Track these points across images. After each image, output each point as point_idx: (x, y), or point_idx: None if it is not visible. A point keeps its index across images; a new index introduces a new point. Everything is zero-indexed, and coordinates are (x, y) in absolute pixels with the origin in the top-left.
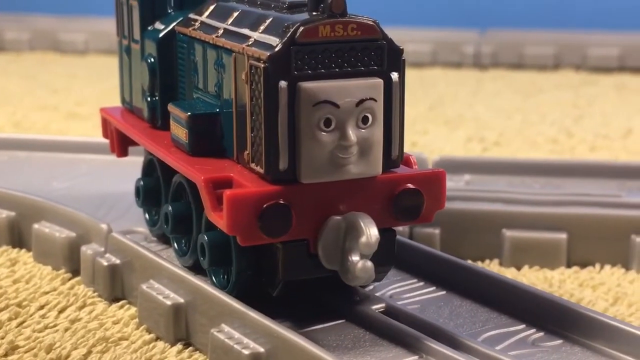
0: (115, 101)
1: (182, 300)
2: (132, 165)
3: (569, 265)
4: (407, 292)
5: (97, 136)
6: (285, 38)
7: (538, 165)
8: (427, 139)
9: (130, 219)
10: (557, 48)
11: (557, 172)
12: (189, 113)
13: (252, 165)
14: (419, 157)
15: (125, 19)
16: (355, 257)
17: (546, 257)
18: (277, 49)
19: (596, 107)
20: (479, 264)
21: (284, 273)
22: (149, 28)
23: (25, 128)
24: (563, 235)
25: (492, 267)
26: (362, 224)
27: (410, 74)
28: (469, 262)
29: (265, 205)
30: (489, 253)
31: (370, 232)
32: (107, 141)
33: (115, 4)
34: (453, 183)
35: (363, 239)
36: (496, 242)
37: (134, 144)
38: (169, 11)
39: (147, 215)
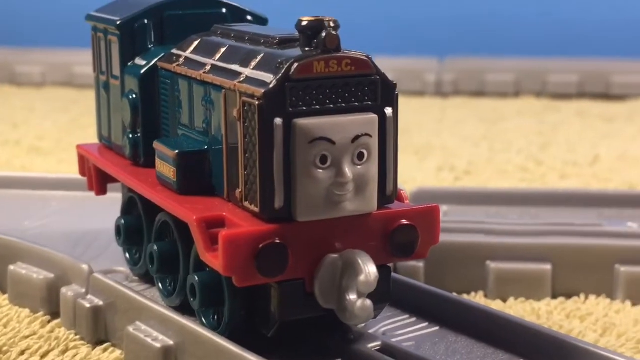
0: (77, 135)
1: (171, 342)
2: (105, 201)
3: (554, 296)
4: (401, 329)
5: (63, 172)
6: (280, 74)
7: (514, 194)
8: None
9: (109, 258)
10: (518, 75)
11: (533, 201)
12: (177, 151)
13: (246, 204)
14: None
15: (104, 54)
16: (353, 296)
17: (531, 288)
18: (271, 86)
19: (560, 134)
20: (466, 297)
21: (280, 313)
22: (129, 64)
23: None
24: (548, 266)
25: (477, 299)
26: (360, 262)
27: None
28: (461, 296)
29: (261, 245)
30: (474, 285)
31: (369, 270)
32: (77, 177)
33: (92, 40)
34: None
35: (362, 278)
36: (481, 274)
37: (114, 181)
38: (150, 46)
39: (127, 255)
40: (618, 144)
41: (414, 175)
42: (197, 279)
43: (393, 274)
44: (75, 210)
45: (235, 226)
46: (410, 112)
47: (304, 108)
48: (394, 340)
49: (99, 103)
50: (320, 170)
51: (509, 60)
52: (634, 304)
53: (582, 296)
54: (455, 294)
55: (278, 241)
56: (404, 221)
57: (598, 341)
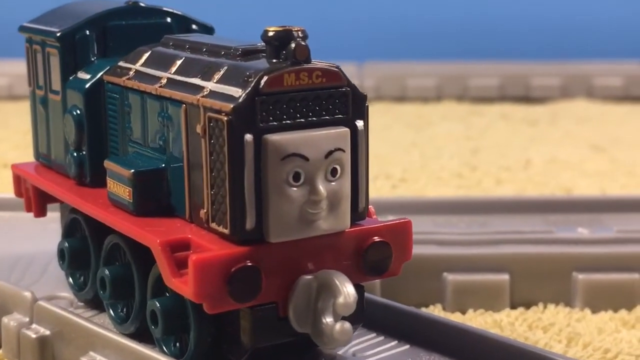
0: None
1: None
2: (34, 222)
3: (513, 306)
4: (370, 349)
5: None
6: (249, 88)
7: (459, 202)
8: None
9: (49, 284)
10: (439, 79)
11: (479, 209)
12: (133, 170)
13: (213, 225)
14: None
15: (41, 68)
16: (329, 319)
17: (490, 299)
18: (240, 100)
19: (488, 138)
20: (423, 310)
21: (252, 340)
22: (71, 78)
23: None
24: (505, 276)
25: (435, 312)
26: (337, 282)
27: None
28: (422, 309)
29: (233, 269)
30: (431, 298)
31: (348, 291)
32: (1, 196)
33: (27, 52)
34: None
35: (341, 300)
36: (437, 286)
37: (53, 202)
38: (92, 59)
39: (70, 279)
40: (546, 148)
41: None
42: (158, 305)
43: None
44: (4, 232)
45: (203, 249)
46: None
47: (275, 123)
48: None
49: (36, 119)
50: (294, 188)
51: (429, 65)
52: (593, 312)
53: (541, 305)
54: (421, 309)
55: (250, 264)
56: (377, 238)
57: (566, 352)
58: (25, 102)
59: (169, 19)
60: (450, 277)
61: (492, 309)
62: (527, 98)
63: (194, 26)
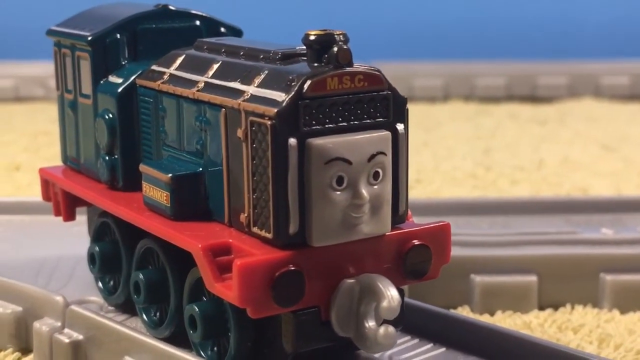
0: (4, 154)
1: None
2: (54, 226)
3: (541, 308)
4: (406, 352)
5: (2, 195)
6: (292, 92)
7: (479, 203)
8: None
9: (77, 288)
10: (446, 79)
11: (498, 210)
12: (171, 174)
13: (255, 230)
14: None
15: (70, 71)
16: (372, 322)
17: (518, 300)
18: (284, 104)
19: (499, 138)
20: (460, 313)
21: (295, 345)
22: (102, 82)
23: None
24: (533, 278)
25: (464, 314)
26: (380, 286)
27: None
28: (451, 311)
29: (277, 274)
30: (459, 300)
31: (392, 294)
32: (18, 200)
33: (55, 56)
34: None
35: (385, 303)
36: (465, 288)
37: (82, 205)
38: (123, 62)
39: (100, 284)
40: (558, 147)
41: None
42: (197, 309)
43: None
44: (26, 235)
45: (246, 254)
46: None
47: (318, 127)
48: None
49: (64, 123)
50: (337, 192)
51: (436, 65)
52: (622, 313)
53: (568, 306)
54: (453, 311)
55: (294, 268)
56: (417, 241)
57: (599, 353)
58: (32, 104)
59: (198, 22)
60: (478, 278)
61: (520, 310)
62: (534, 97)
63: (222, 29)
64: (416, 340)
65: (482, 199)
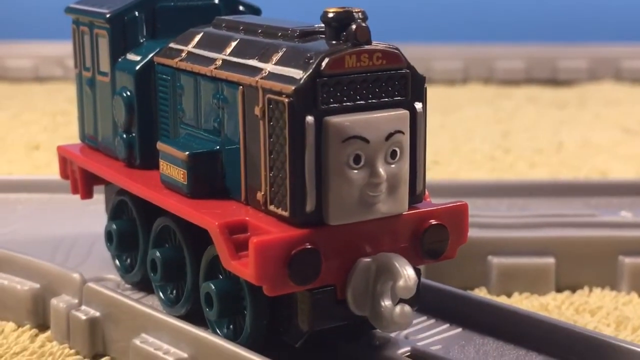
0: (21, 132)
1: (185, 355)
2: (74, 203)
3: (558, 290)
4: (423, 332)
5: (15, 172)
6: (310, 70)
7: (498, 185)
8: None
9: (94, 266)
10: (465, 62)
11: (517, 192)
12: (188, 152)
13: (272, 208)
14: None
15: (88, 49)
16: (388, 302)
17: (535, 282)
18: (302, 82)
19: (518, 120)
20: (478, 294)
21: (311, 323)
22: (120, 59)
23: None
24: (551, 260)
25: (481, 295)
26: (397, 265)
27: None
28: (468, 292)
29: (294, 252)
30: (476, 281)
31: (408, 274)
32: (40, 178)
33: (73, 34)
34: None
35: (401, 283)
36: (482, 269)
37: (100, 183)
38: (141, 40)
39: (117, 262)
40: (577, 130)
41: None
42: (213, 287)
43: None
44: (45, 213)
45: (262, 232)
46: None
47: (335, 105)
48: (420, 344)
49: (82, 101)
50: (354, 171)
51: (456, 47)
52: None
53: (586, 289)
54: (476, 294)
55: (310, 247)
56: (434, 221)
57: (616, 336)
58: (51, 84)
59: (216, 1)
60: (496, 260)
61: (537, 292)
62: (554, 81)
63: (241, 7)
64: (432, 321)
65: (501, 181)
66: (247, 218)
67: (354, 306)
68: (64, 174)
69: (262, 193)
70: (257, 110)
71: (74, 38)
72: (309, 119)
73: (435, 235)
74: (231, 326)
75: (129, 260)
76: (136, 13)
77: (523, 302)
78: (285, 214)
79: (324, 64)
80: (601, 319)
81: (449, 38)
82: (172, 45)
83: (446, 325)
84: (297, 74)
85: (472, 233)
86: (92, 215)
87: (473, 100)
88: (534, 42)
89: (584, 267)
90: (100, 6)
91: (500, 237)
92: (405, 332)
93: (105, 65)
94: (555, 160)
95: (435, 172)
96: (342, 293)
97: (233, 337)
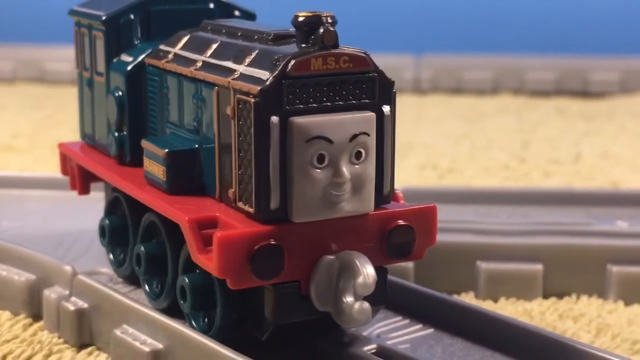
0: (51, 132)
1: (161, 346)
2: (84, 201)
3: (545, 296)
4: (394, 331)
5: (40, 170)
6: (277, 71)
7: (502, 193)
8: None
9: (91, 259)
10: (495, 72)
11: (521, 200)
12: (167, 150)
13: (240, 205)
14: None
15: (87, 50)
16: (349, 298)
17: (522, 288)
18: (267, 83)
19: (541, 131)
20: (454, 297)
21: (276, 316)
22: (115, 60)
23: None
24: (539, 266)
25: (467, 300)
26: (357, 263)
27: None
28: (453, 296)
29: (257, 247)
30: (464, 285)
31: (367, 271)
32: (54, 176)
33: (75, 35)
34: None
35: (360, 280)
36: (471, 274)
37: (96, 180)
38: (136, 42)
39: (111, 256)
40: (599, 142)
41: (397, 173)
42: (187, 281)
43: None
44: (54, 210)
45: (229, 227)
46: None
47: (301, 106)
48: (389, 342)
49: (82, 100)
50: (317, 170)
51: (487, 57)
52: (627, 304)
53: (574, 296)
54: (451, 296)
55: (274, 242)
56: (401, 222)
57: (593, 342)
58: None
59: (211, 5)
60: (484, 265)
61: (524, 298)
62: (584, 93)
63: (236, 12)
64: (407, 321)
65: (505, 189)
66: (217, 214)
67: (317, 302)
68: (64, 170)
69: (233, 190)
70: (228, 110)
71: (75, 39)
72: (274, 118)
73: (401, 236)
74: (206, 319)
75: (122, 255)
76: (131, 16)
77: (508, 307)
78: (251, 210)
79: (289, 66)
80: (583, 325)
81: (480, 49)
82: (161, 47)
83: (419, 326)
84: (264, 75)
85: (462, 238)
86: (98, 213)
87: (500, 110)
88: (566, 53)
89: (572, 275)
90: (98, 9)
91: (489, 242)
92: (378, 330)
93: (101, 65)
94: (571, 170)
95: (448, 180)
96: (306, 288)
97: (207, 330)
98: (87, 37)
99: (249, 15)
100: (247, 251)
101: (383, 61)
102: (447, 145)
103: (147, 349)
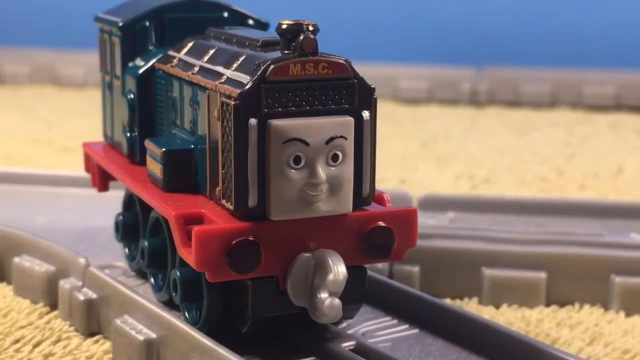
0: (90, 135)
1: (154, 336)
2: (118, 199)
3: (548, 304)
4: (380, 330)
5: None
6: (256, 76)
7: (523, 203)
8: (416, 176)
9: (112, 254)
10: (553, 86)
11: (542, 210)
12: (164, 149)
13: (223, 202)
14: (404, 195)
15: (108, 55)
16: (323, 295)
17: (525, 296)
18: (247, 87)
19: (589, 145)
20: (458, 302)
21: (253, 309)
22: (130, 64)
23: (17, 162)
24: (542, 275)
25: (470, 305)
26: (330, 261)
27: (405, 110)
28: (444, 300)
29: (234, 242)
30: (468, 291)
31: (338, 269)
32: (84, 175)
33: (99, 40)
34: (436, 221)
35: (330, 277)
36: (475, 280)
37: (114, 179)
38: (150, 48)
39: (127, 250)
40: None
41: (431, 182)
42: (178, 274)
43: (379, 277)
44: (89, 206)
45: (211, 223)
46: (441, 121)
47: (280, 109)
48: (370, 340)
49: (104, 102)
50: (294, 171)
51: (545, 71)
52: (627, 315)
53: (577, 305)
54: (446, 299)
55: (251, 238)
56: (380, 223)
57: (582, 349)
58: None
59: (225, 14)
60: (488, 271)
61: (527, 305)
62: None
63: (249, 21)
64: (395, 321)
65: (524, 199)
66: (203, 210)
67: (293, 297)
68: (87, 168)
69: (219, 188)
70: (215, 112)
71: (99, 44)
72: (252, 121)
73: (379, 237)
74: (198, 312)
75: (136, 250)
76: (146, 23)
77: (507, 313)
78: (232, 207)
79: (269, 70)
80: (578, 333)
81: (538, 62)
82: (170, 52)
83: (406, 326)
84: (245, 79)
85: (468, 245)
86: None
87: (554, 124)
88: (625, 68)
89: (575, 284)
90: (117, 16)
91: (494, 249)
92: (364, 329)
93: (118, 69)
94: (608, 184)
95: (483, 190)
96: (283, 284)
97: (198, 322)
98: (108, 42)
99: (262, 25)
100: (225, 246)
101: (442, 73)
102: (490, 156)
103: (141, 337)
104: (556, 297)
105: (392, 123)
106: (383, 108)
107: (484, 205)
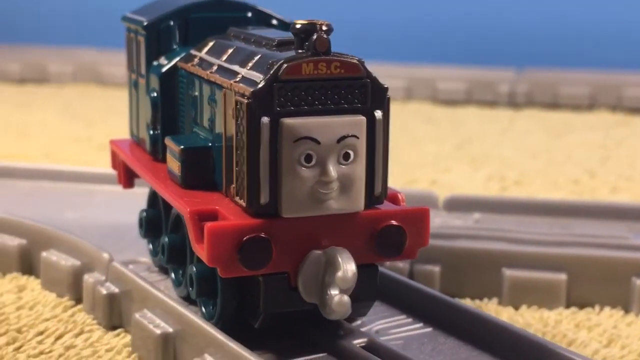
0: (119, 133)
1: (171, 330)
2: (144, 196)
3: (567, 306)
4: (394, 328)
5: None
6: (269, 75)
7: (549, 205)
8: (448, 177)
9: (136, 249)
10: (592, 88)
11: (568, 212)
12: (182, 146)
13: (237, 199)
14: (430, 195)
15: (134, 54)
16: (334, 291)
17: (545, 297)
18: (260, 86)
19: (624, 148)
20: (477, 303)
21: (265, 305)
22: (154, 63)
23: (55, 159)
24: (563, 276)
25: (490, 306)
26: (339, 258)
27: (442, 112)
28: (463, 300)
29: (245, 238)
30: (489, 292)
31: (347, 267)
32: (113, 172)
33: (126, 40)
34: (461, 221)
35: (339, 274)
36: (496, 281)
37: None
38: (174, 47)
39: (150, 246)
40: None
41: (463, 184)
42: (194, 269)
43: (395, 275)
44: (118, 203)
45: (224, 219)
46: (477, 123)
47: (292, 108)
48: (383, 338)
49: (131, 100)
50: (305, 169)
51: (584, 73)
52: None
53: (597, 307)
54: (465, 299)
55: (262, 235)
56: (392, 221)
57: (599, 351)
58: None
59: (249, 14)
60: (508, 272)
61: (546, 306)
62: None
63: (273, 21)
64: (409, 319)
65: (550, 201)
66: (217, 207)
67: (304, 293)
68: (114, 165)
69: (233, 185)
70: (230, 110)
71: (126, 43)
72: (264, 119)
73: (391, 235)
74: (214, 307)
75: (159, 246)
76: (171, 22)
77: (526, 314)
78: (244, 204)
79: (281, 70)
80: (595, 335)
81: (577, 64)
82: (192, 51)
83: (420, 325)
84: (259, 78)
85: (489, 245)
86: None
87: (591, 126)
88: None
89: (596, 286)
90: (143, 15)
91: (515, 250)
92: (378, 327)
93: (143, 68)
94: None
95: (513, 191)
96: (294, 281)
97: (213, 316)
98: (134, 41)
99: (285, 25)
100: (236, 242)
101: (481, 74)
102: (523, 158)
103: (158, 331)
104: (576, 299)
105: (429, 124)
106: (421, 109)
107: (510, 207)
